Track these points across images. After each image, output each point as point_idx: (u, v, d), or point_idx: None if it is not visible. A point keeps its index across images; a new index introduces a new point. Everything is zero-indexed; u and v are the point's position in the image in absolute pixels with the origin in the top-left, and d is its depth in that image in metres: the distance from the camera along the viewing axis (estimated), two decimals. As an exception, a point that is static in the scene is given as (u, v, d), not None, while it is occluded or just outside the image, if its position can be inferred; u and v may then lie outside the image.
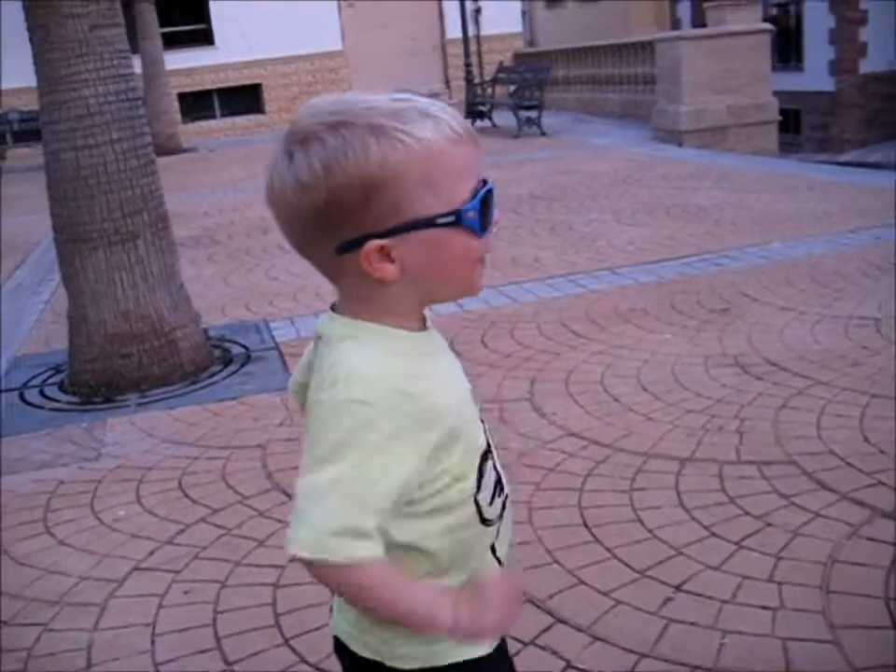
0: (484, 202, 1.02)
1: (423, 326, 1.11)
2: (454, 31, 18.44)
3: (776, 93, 12.08)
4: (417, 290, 1.05)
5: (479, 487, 1.10)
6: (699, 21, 18.51)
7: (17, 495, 3.28)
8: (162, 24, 15.67)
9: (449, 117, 1.01)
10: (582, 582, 2.47)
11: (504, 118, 14.42)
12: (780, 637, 2.18)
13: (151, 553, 2.80)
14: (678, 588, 2.40)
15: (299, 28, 17.38)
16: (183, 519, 3.00)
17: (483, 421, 1.17)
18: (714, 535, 2.64)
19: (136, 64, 15.53)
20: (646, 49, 13.30)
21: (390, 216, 0.99)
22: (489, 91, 15.80)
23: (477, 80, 16.93)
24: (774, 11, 20.31)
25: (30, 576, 2.73)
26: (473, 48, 18.65)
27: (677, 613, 2.29)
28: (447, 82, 19.14)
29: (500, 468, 1.18)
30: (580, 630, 2.26)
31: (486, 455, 1.13)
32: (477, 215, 1.01)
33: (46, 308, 5.97)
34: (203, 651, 2.31)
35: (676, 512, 2.79)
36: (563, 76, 16.74)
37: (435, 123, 1.00)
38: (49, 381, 4.49)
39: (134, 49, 14.89)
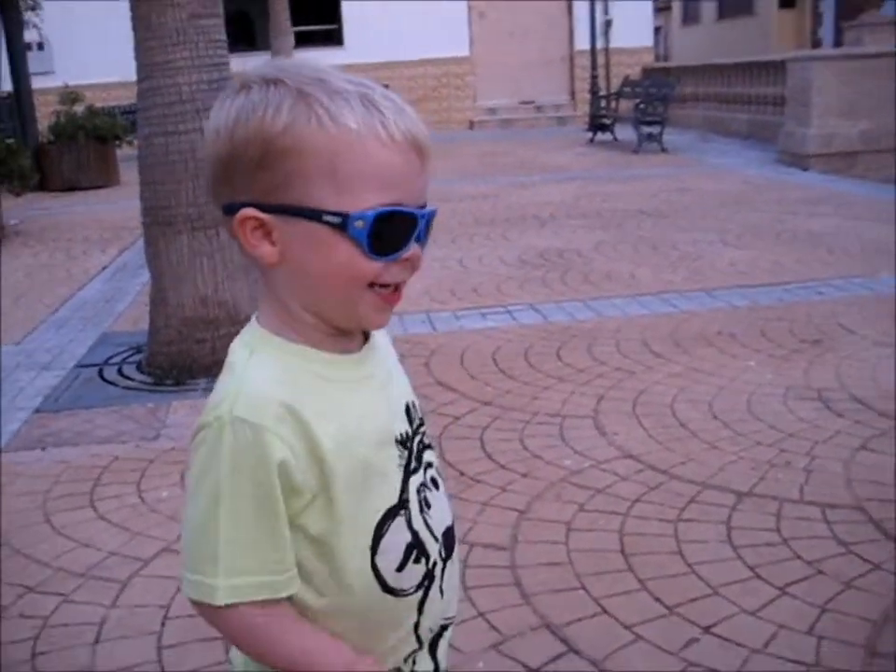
0: (385, 221, 0.89)
1: (346, 348, 0.99)
2: (583, 42, 18.26)
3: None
4: (301, 294, 0.94)
5: (375, 549, 0.97)
6: (841, 43, 17.77)
7: (71, 466, 3.36)
8: (296, 23, 16.02)
9: (395, 117, 0.90)
10: (606, 612, 2.33)
11: (627, 132, 14.16)
12: (808, 696, 2.00)
13: (183, 537, 2.81)
14: (706, 630, 2.24)
15: (428, 32, 17.51)
16: (221, 505, 2.99)
17: (416, 477, 1.02)
18: (758, 577, 2.47)
19: (267, 61, 16.09)
20: (777, 68, 12.81)
21: (279, 190, 0.90)
22: (613, 104, 15.56)
23: (602, 93, 16.70)
24: (924, 36, 19.32)
25: (63, 546, 2.78)
26: (601, 60, 18.43)
27: (699, 657, 2.14)
28: (573, 94, 18.95)
29: (430, 530, 1.02)
30: (592, 662, 2.14)
31: (395, 511, 0.98)
32: (367, 227, 0.89)
33: (143, 290, 6.14)
34: (207, 640, 2.28)
35: (721, 549, 2.62)
36: (691, 92, 16.33)
37: (368, 115, 0.89)
38: (129, 359, 4.60)
39: (266, 46, 15.40)
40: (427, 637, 1.04)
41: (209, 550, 0.91)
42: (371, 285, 0.93)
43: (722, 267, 6.08)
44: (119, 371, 4.44)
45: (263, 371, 0.94)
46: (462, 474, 3.14)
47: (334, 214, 0.89)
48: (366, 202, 0.89)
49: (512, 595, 2.43)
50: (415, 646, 1.04)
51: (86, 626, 2.37)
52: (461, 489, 3.02)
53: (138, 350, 4.69)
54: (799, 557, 2.55)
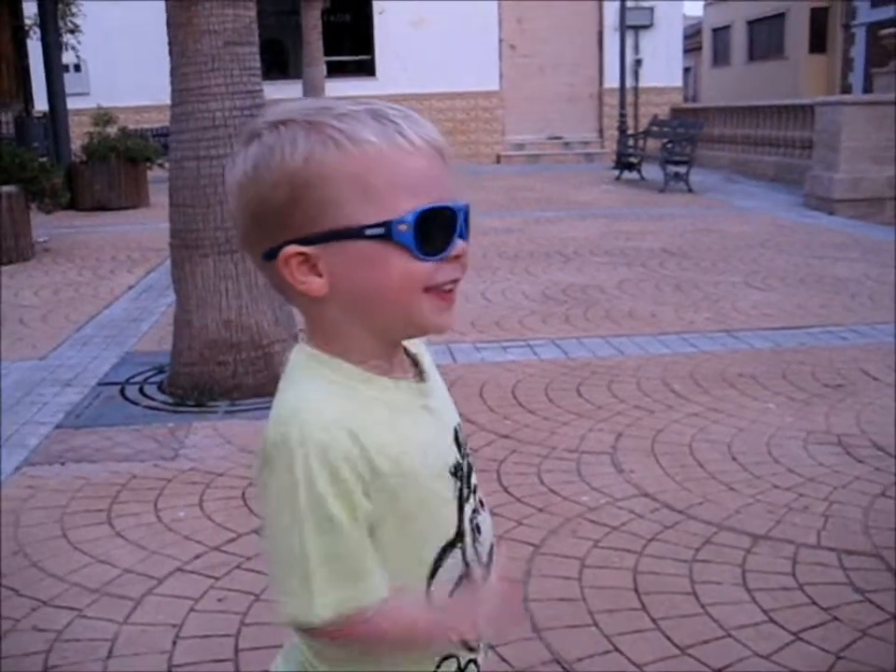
0: (426, 220, 0.91)
1: (400, 371, 1.00)
2: (612, 80, 18.38)
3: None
4: (357, 316, 0.95)
5: (433, 573, 0.99)
6: (871, 89, 17.80)
7: (89, 482, 3.38)
8: (329, 53, 16.27)
9: (408, 124, 0.92)
10: (617, 650, 2.32)
11: (653, 171, 14.21)
12: (820, 744, 1.98)
13: (197, 557, 2.82)
14: (718, 672, 2.23)
15: (458, 66, 17.70)
16: (237, 528, 3.01)
17: (469, 505, 1.03)
18: (772, 621, 2.44)
19: (298, 89, 16.11)
20: (806, 111, 12.86)
21: (315, 221, 0.91)
22: (641, 142, 15.63)
23: (630, 131, 16.79)
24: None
25: (79, 562, 2.80)
26: (630, 98, 18.54)
27: (710, 699, 2.12)
28: (601, 131, 19.05)
29: (478, 558, 1.04)
30: (601, 700, 2.12)
31: (454, 543, 1.00)
32: (411, 230, 0.90)
33: (168, 311, 6.19)
34: (219, 660, 2.29)
35: (735, 591, 2.60)
36: (718, 134, 16.38)
37: (383, 128, 0.91)
38: (151, 379, 4.64)
39: (299, 74, 15.63)
40: (480, 659, 1.07)
41: (299, 570, 0.90)
42: (427, 289, 0.94)
43: (745, 309, 6.07)
44: (141, 391, 4.48)
45: (327, 398, 0.93)
46: (477, 506, 3.14)
47: (376, 225, 0.90)
48: (403, 209, 0.91)
49: (524, 628, 2.42)
50: (466, 654, 1.05)
51: (98, 642, 2.38)
52: (476, 521, 3.01)
53: (160, 370, 4.73)
54: (814, 603, 2.53)
